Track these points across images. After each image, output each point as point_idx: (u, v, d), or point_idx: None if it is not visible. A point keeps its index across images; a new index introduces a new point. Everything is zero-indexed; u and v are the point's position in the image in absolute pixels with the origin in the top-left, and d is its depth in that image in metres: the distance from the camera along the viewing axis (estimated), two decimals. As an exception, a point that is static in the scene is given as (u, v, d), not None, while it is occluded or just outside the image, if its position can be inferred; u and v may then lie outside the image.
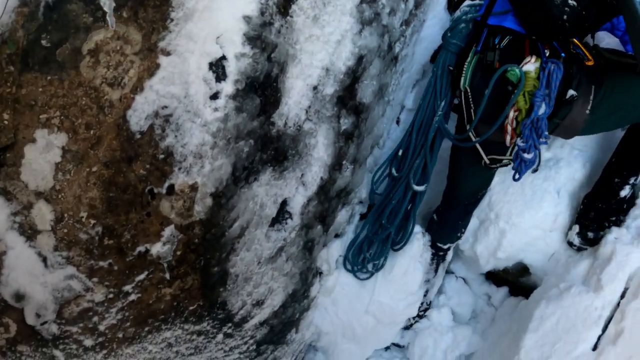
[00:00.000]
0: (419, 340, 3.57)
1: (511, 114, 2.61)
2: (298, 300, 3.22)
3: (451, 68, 2.87)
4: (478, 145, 2.87)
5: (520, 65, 2.55)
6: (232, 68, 2.26)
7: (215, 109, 2.27)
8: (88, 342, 2.43)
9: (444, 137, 3.04)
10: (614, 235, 3.04)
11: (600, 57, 2.69)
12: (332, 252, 3.32)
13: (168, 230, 2.35)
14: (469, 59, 2.75)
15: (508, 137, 2.65)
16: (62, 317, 2.31)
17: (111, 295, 2.35)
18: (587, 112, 2.65)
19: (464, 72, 2.75)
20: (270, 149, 2.57)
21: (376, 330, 3.50)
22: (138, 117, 2.11)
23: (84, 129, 2.04)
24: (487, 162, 2.93)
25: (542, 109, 2.54)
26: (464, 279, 3.78)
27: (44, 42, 1.90)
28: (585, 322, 2.89)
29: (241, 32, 2.23)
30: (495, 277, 3.70)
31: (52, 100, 1.96)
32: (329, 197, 3.02)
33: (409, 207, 3.26)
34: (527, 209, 3.26)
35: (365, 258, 3.42)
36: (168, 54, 2.11)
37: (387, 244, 3.36)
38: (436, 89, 2.95)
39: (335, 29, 2.55)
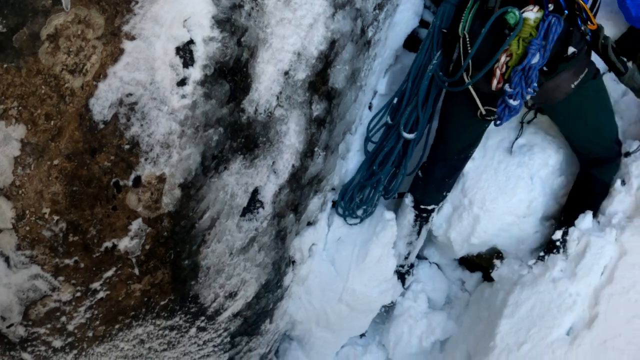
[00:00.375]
0: (394, 327, 3.55)
1: (503, 58, 2.64)
2: (271, 290, 3.17)
3: (445, 31, 2.96)
4: (475, 95, 2.90)
5: (522, 10, 2.56)
6: (200, 53, 2.18)
7: (183, 96, 2.18)
8: (57, 343, 2.34)
9: (439, 89, 3.09)
10: (588, 228, 3.08)
11: (605, 52, 2.76)
12: (305, 240, 3.27)
13: (135, 224, 2.26)
14: (469, 4, 2.77)
15: (495, 81, 2.68)
16: (29, 318, 2.22)
17: (79, 294, 2.27)
18: (573, 86, 2.70)
19: (462, 18, 2.78)
20: (241, 137, 2.50)
21: (350, 318, 3.48)
22: (101, 106, 2.02)
23: (44, 120, 1.93)
24: (484, 112, 2.95)
25: (536, 58, 2.57)
26: (437, 264, 3.78)
27: (-1, 27, 1.79)
28: (560, 308, 2.92)
29: (210, 14, 2.14)
30: (468, 263, 3.71)
31: (9, 89, 1.85)
32: (301, 185, 2.96)
33: (400, 154, 3.30)
34: (501, 195, 3.27)
35: (356, 203, 3.44)
36: (132, 38, 2.02)
37: (377, 191, 3.39)
38: (433, 40, 3.03)
39: (307, 12, 2.48)
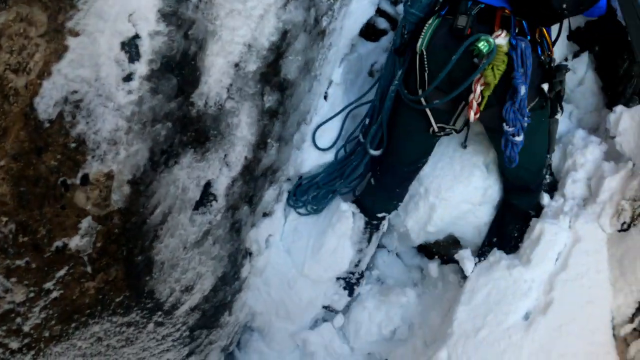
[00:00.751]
0: (354, 316, 3.59)
1: (478, 89, 2.61)
2: (229, 282, 3.19)
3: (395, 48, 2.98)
4: (429, 112, 2.89)
5: (493, 37, 2.54)
6: (146, 47, 2.18)
7: (129, 92, 2.18)
8: (14, 345, 2.32)
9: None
10: (543, 216, 3.17)
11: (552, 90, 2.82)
12: (262, 231, 3.29)
13: (85, 222, 2.26)
14: (430, 21, 2.75)
15: (472, 113, 2.66)
16: (-17, 321, 2.21)
17: (32, 294, 2.25)
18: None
19: (422, 34, 2.74)
20: (191, 131, 2.50)
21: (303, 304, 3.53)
22: (46, 105, 2.00)
23: (-14, 121, 1.92)
24: (436, 130, 2.97)
25: (524, 90, 2.56)
26: (396, 253, 3.83)
27: None
28: (515, 294, 2.98)
29: (155, 8, 2.14)
30: (426, 250, 3.76)
31: (-52, 91, 1.84)
32: (254, 177, 2.98)
33: (366, 169, 3.42)
34: (457, 183, 3.32)
35: (308, 200, 3.50)
36: (77, 34, 2.00)
37: (332, 197, 3.50)
38: (395, 59, 3.03)
39: (258, 2, 2.48)
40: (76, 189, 2.18)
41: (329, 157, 3.47)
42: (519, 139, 2.66)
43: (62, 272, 2.30)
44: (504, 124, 2.64)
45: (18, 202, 2.06)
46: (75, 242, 2.27)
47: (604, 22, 3.14)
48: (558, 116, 3.02)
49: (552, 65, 2.81)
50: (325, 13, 3.02)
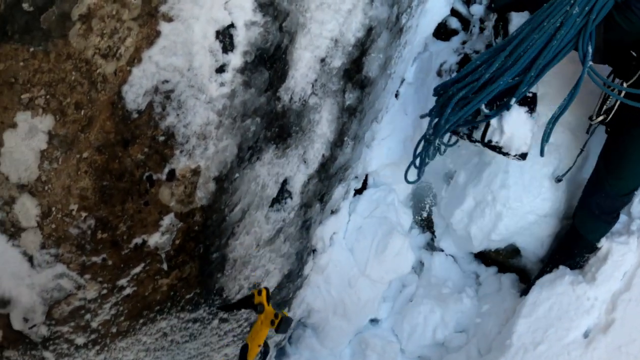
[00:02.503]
0: (409, 318, 3.27)
1: None
2: (293, 280, 2.89)
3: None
4: None
5: None
6: (241, 38, 1.86)
7: (222, 84, 1.87)
8: (80, 340, 2.04)
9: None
10: (610, 234, 2.84)
11: None
12: (327, 229, 2.97)
13: (167, 219, 1.96)
14: None
15: None
16: (52, 317, 1.91)
17: (105, 291, 1.97)
18: None
19: None
20: (275, 126, 2.19)
21: (362, 304, 3.21)
22: (135, 94, 1.70)
23: (73, 109, 1.61)
24: None
25: None
26: (453, 256, 3.48)
27: (25, 5, 1.44)
28: (577, 311, 2.74)
29: (252, -3, 1.82)
30: (484, 257, 3.41)
31: (36, 76, 1.51)
32: (329, 175, 2.67)
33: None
34: (525, 194, 2.99)
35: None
36: (170, 20, 1.69)
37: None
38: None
39: (347, -3, 2.16)
40: (161, 184, 1.87)
41: (396, 156, 3.12)
42: None
43: (137, 269, 2.01)
44: None
45: (100, 197, 1.76)
46: (155, 239, 1.97)
47: None
48: None
49: None
50: (405, 10, 2.68)
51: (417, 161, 2.77)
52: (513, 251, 3.22)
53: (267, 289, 2.04)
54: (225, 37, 1.82)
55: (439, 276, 3.36)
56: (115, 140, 1.72)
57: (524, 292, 2.99)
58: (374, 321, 3.43)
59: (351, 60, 2.38)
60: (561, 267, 2.88)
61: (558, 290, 2.81)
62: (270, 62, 2.00)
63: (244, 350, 1.99)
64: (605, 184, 2.64)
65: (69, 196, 1.71)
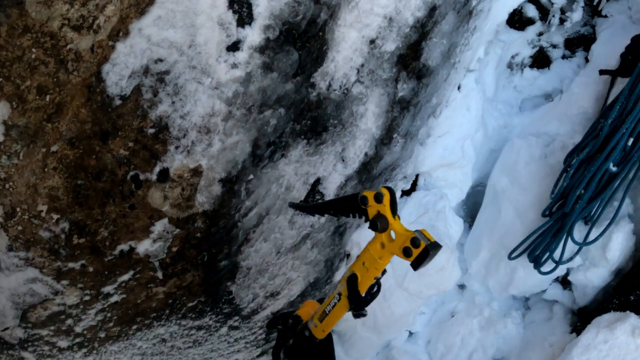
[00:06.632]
0: (444, 337, 2.83)
1: None
2: (319, 287, 2.49)
3: None
4: None
5: None
6: (262, 8, 1.44)
7: (233, 65, 1.46)
8: (63, 344, 1.77)
9: None
10: None
11: None
12: (365, 234, 2.54)
13: (159, 225, 1.59)
14: None
15: None
16: (28, 321, 1.65)
17: (87, 298, 1.65)
18: None
19: None
20: (307, 118, 1.77)
21: (395, 318, 2.78)
22: (118, 75, 1.32)
23: (34, 95, 1.25)
24: None
25: None
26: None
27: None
28: (635, 362, 2.24)
29: (279, -44, 1.39)
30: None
31: (-20, 51, 1.17)
32: (371, 176, 2.22)
33: None
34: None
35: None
36: (169, -18, 1.30)
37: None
38: None
39: (408, -35, 1.68)
40: (151, 186, 1.50)
41: (453, 156, 2.62)
42: None
43: (125, 277, 1.68)
44: None
45: (74, 198, 1.42)
46: (144, 246, 1.62)
47: None
48: None
49: None
50: (477, -11, 2.17)
51: None
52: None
53: (389, 189, 1.27)
54: (241, 6, 1.41)
55: (482, 295, 2.89)
56: (92, 131, 1.35)
57: (576, 328, 2.52)
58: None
59: (408, 45, 1.90)
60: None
61: (616, 335, 2.32)
62: (301, 40, 1.56)
63: (353, 280, 1.40)
64: None
65: (35, 195, 1.37)
